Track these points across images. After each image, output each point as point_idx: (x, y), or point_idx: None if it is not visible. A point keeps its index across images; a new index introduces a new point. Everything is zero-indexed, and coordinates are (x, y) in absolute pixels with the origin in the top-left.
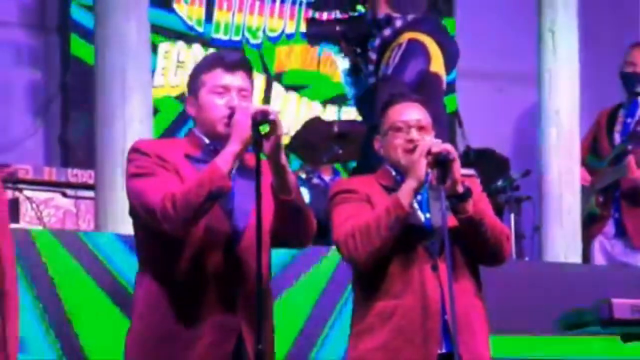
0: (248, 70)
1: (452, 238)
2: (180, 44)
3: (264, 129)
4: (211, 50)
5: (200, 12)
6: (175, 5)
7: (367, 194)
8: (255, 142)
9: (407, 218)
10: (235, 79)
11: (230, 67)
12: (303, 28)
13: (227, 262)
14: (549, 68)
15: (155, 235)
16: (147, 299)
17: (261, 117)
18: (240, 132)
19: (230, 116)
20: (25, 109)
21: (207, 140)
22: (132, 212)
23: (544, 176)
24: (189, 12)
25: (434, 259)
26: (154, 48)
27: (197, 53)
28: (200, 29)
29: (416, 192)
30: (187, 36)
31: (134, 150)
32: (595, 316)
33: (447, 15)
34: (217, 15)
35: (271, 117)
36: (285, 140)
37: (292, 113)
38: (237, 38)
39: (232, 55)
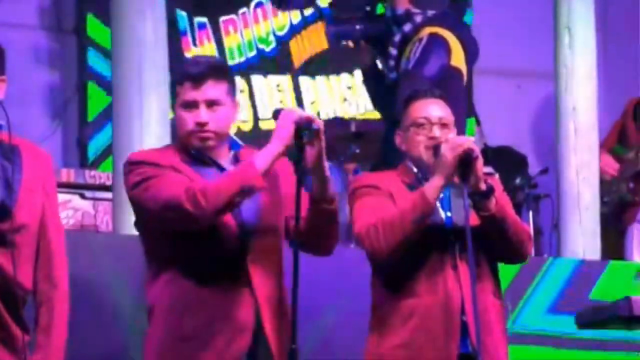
0: (217, 77)
1: (473, 237)
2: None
3: (310, 134)
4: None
5: (211, 48)
6: (187, 54)
7: (390, 190)
8: (297, 147)
9: (431, 213)
10: (201, 93)
11: (197, 80)
12: (307, 12)
13: (240, 262)
14: (566, 64)
15: (167, 239)
16: (162, 303)
17: (305, 124)
18: (282, 135)
19: (194, 132)
20: (43, 110)
21: (192, 151)
22: (141, 220)
23: (561, 173)
24: (201, 53)
25: (455, 258)
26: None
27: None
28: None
29: (442, 189)
30: None
31: (129, 163)
32: (614, 313)
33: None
34: (227, 42)
35: (315, 126)
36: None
37: (326, 96)
38: (252, 53)
39: (198, 66)
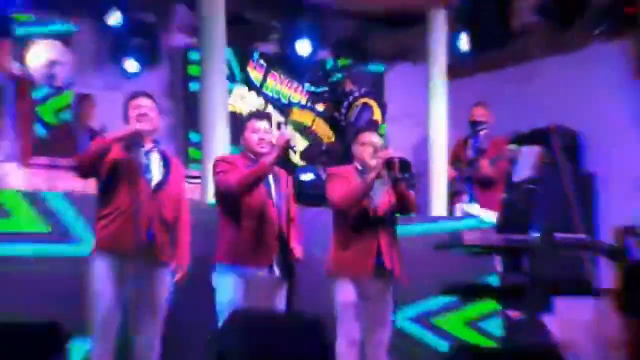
0: (269, 119)
1: (390, 207)
2: (244, 89)
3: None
4: (260, 99)
5: (258, 75)
6: (247, 68)
7: (347, 176)
8: (284, 156)
9: (368, 188)
10: (262, 124)
11: (259, 118)
12: (303, 101)
13: (267, 221)
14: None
15: (234, 202)
16: (225, 238)
17: (288, 143)
18: (279, 147)
19: (258, 144)
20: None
21: (253, 157)
22: (217, 196)
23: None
24: (254, 73)
25: (378, 219)
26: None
27: (252, 97)
28: (257, 84)
29: (375, 178)
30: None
31: (216, 160)
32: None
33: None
34: (269, 81)
35: (292, 144)
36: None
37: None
38: (277, 97)
39: (260, 113)
